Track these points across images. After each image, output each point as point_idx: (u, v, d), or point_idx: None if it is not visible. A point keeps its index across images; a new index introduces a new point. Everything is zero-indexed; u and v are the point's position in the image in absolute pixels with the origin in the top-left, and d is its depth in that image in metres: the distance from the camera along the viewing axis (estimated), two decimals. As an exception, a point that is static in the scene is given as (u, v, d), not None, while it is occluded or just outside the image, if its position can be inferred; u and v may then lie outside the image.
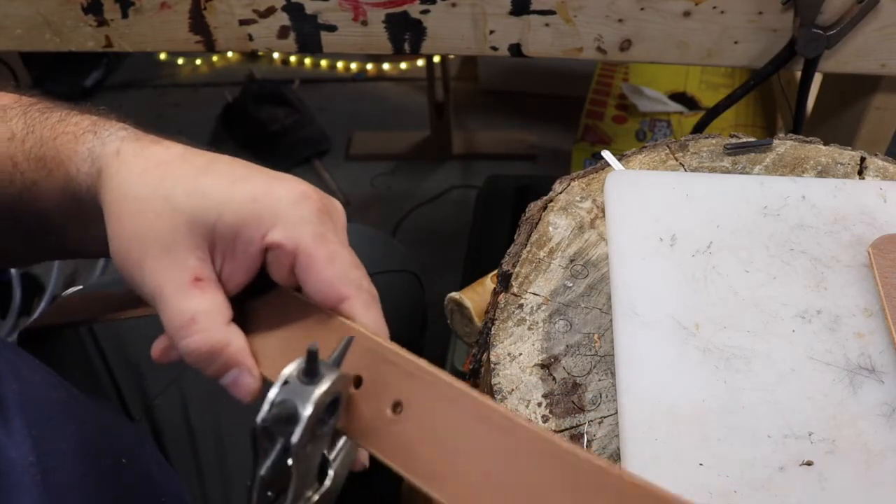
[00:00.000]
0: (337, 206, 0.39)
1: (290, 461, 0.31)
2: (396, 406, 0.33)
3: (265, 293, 0.38)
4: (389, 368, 0.33)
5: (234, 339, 0.36)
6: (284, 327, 0.37)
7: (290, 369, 0.31)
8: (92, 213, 0.38)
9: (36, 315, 1.43)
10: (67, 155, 0.39)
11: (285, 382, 0.31)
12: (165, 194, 0.36)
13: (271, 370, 0.36)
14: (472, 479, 0.29)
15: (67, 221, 0.41)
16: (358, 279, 0.37)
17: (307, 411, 0.30)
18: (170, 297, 0.35)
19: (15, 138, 0.41)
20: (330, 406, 0.32)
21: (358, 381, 0.34)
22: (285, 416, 0.30)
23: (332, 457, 0.34)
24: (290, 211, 0.36)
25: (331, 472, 0.34)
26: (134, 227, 0.36)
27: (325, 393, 0.31)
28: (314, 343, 0.31)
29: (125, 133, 0.39)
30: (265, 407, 0.31)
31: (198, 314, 0.35)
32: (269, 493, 0.32)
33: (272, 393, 0.31)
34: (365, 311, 0.36)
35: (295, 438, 0.30)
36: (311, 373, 0.31)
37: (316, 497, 0.33)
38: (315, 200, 0.37)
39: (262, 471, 0.31)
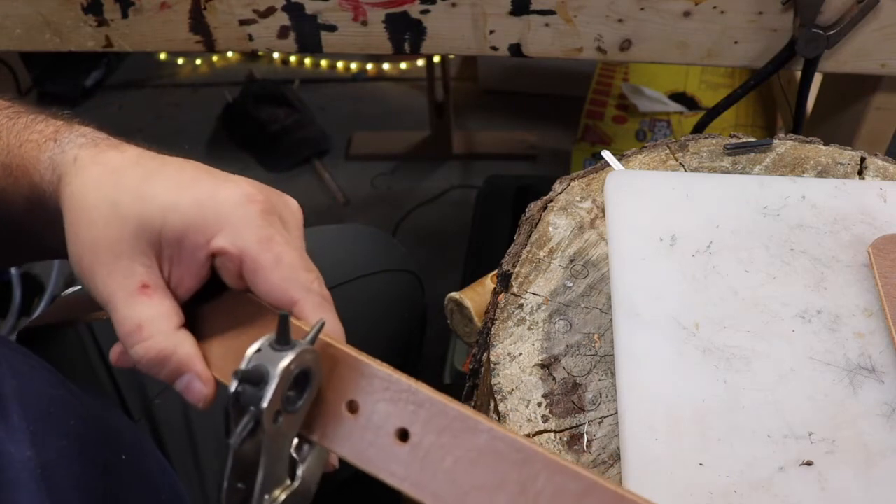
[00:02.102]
0: (289, 204, 0.39)
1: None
2: (352, 404, 0.33)
3: (218, 297, 0.38)
4: (344, 371, 0.34)
5: (182, 345, 0.36)
6: (239, 330, 0.37)
7: (262, 341, 0.32)
8: (57, 219, 0.38)
9: (36, 315, 1.43)
10: (31, 163, 0.40)
11: (258, 350, 0.32)
12: (114, 200, 0.36)
13: (227, 374, 0.36)
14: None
15: (38, 227, 0.42)
16: (306, 281, 0.36)
17: (276, 372, 0.31)
18: (118, 305, 0.35)
19: None
20: (300, 380, 0.32)
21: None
22: (256, 378, 0.31)
23: (300, 458, 0.34)
24: (233, 214, 0.36)
25: (299, 473, 0.34)
26: (86, 235, 0.36)
27: (296, 359, 0.31)
28: (285, 311, 0.32)
29: (84, 140, 0.39)
30: (239, 369, 0.31)
31: (143, 321, 0.35)
32: (240, 486, 0.32)
33: (244, 360, 0.31)
34: (315, 312, 0.36)
35: (265, 403, 0.30)
36: (282, 340, 0.32)
37: (283, 496, 0.33)
38: (260, 202, 0.37)
39: (233, 439, 0.31)
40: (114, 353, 0.39)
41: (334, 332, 0.37)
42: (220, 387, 0.36)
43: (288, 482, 0.33)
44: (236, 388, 0.31)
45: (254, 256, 0.35)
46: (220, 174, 0.38)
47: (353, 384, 0.33)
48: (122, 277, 0.36)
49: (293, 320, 0.35)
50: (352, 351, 0.34)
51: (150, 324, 0.35)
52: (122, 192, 0.36)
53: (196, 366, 0.36)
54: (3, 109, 0.43)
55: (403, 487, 0.31)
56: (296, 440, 0.34)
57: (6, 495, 0.34)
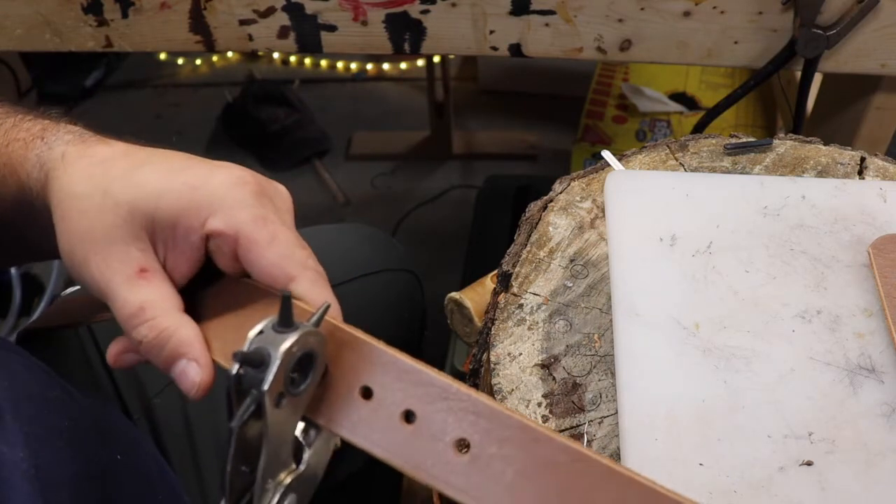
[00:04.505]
0: (279, 190, 0.39)
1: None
2: (367, 391, 0.33)
3: (215, 284, 0.38)
4: (348, 352, 0.33)
5: (184, 326, 0.36)
6: (238, 316, 0.37)
7: (265, 323, 0.32)
8: (45, 218, 0.38)
9: (36, 315, 1.43)
10: (19, 162, 0.40)
11: (259, 332, 0.31)
12: (105, 189, 0.36)
13: (227, 360, 0.35)
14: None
15: (26, 227, 0.42)
16: (302, 258, 0.36)
17: (278, 354, 0.30)
18: (117, 289, 0.35)
19: None
20: (303, 363, 0.32)
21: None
22: (257, 360, 0.30)
23: (307, 442, 0.34)
24: (227, 196, 0.36)
25: (306, 457, 0.34)
26: (77, 225, 0.36)
27: (298, 341, 0.31)
28: (286, 290, 0.31)
29: (70, 136, 0.40)
30: (239, 351, 0.31)
31: (145, 303, 0.35)
32: (244, 468, 0.31)
33: (246, 342, 0.31)
34: (312, 288, 0.36)
35: (266, 385, 0.30)
36: (284, 321, 0.31)
37: (289, 480, 0.33)
38: (252, 184, 0.37)
39: (234, 422, 0.30)
40: (111, 354, 0.38)
41: (330, 307, 0.36)
42: (216, 379, 0.36)
43: (293, 466, 0.33)
44: (237, 371, 0.31)
45: (249, 235, 0.36)
46: (209, 161, 0.38)
47: (364, 369, 0.33)
48: (118, 263, 0.36)
49: (296, 302, 0.35)
50: (361, 334, 0.34)
51: (151, 305, 0.35)
52: (112, 180, 0.36)
53: (196, 347, 0.35)
54: None
55: (402, 468, 0.31)
56: (302, 425, 0.34)
57: None
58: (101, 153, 0.38)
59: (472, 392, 0.31)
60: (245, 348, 0.31)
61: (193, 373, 0.35)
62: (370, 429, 0.33)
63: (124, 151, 0.38)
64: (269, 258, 0.36)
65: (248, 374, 0.31)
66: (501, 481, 0.30)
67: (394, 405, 0.32)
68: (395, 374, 0.33)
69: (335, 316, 0.35)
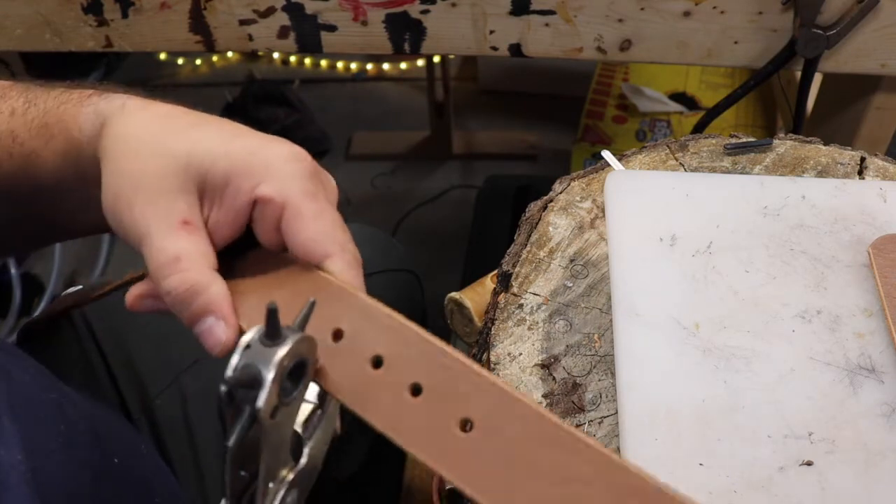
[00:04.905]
0: (330, 178, 0.40)
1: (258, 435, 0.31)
2: (377, 361, 0.32)
3: (249, 254, 0.38)
4: (368, 325, 0.33)
5: (215, 284, 0.35)
6: (267, 286, 0.37)
7: (252, 334, 0.31)
8: (89, 171, 0.39)
9: (36, 315, 1.42)
10: (71, 118, 0.40)
11: (247, 347, 0.30)
12: (163, 139, 0.37)
13: (251, 324, 0.35)
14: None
15: (62, 188, 0.42)
16: (342, 240, 0.37)
17: (270, 373, 0.29)
18: (156, 236, 0.35)
19: (15, 113, 0.42)
20: (295, 372, 0.31)
21: (338, 335, 0.33)
22: (248, 381, 0.30)
23: (306, 435, 0.34)
24: (283, 168, 0.36)
25: (306, 450, 0.33)
26: (129, 166, 0.36)
27: (288, 354, 0.30)
28: (272, 302, 0.30)
29: (129, 94, 0.41)
30: (227, 373, 0.30)
31: (182, 254, 0.35)
32: (243, 473, 0.31)
33: (234, 358, 0.30)
34: (347, 270, 0.36)
35: (260, 402, 0.29)
36: (272, 334, 0.30)
37: (291, 476, 0.32)
38: (308, 162, 0.37)
39: (230, 441, 0.30)
40: (131, 295, 0.38)
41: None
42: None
43: (293, 462, 0.33)
44: (228, 390, 0.30)
45: (296, 206, 0.36)
46: (264, 133, 0.39)
47: (380, 341, 0.33)
48: (163, 211, 0.36)
49: (324, 274, 0.35)
50: (386, 308, 0.34)
51: (187, 257, 0.35)
52: (171, 132, 0.37)
53: (224, 307, 0.35)
54: (34, 82, 0.44)
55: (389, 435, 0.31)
56: (301, 419, 0.33)
57: None
58: (161, 109, 0.39)
59: (485, 372, 0.32)
60: (232, 366, 0.30)
61: (220, 331, 0.35)
62: (377, 400, 0.32)
63: (182, 111, 0.40)
64: (310, 232, 0.36)
65: (239, 392, 0.30)
66: (502, 460, 0.29)
67: (406, 377, 0.32)
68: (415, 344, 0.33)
69: (362, 291, 0.35)
